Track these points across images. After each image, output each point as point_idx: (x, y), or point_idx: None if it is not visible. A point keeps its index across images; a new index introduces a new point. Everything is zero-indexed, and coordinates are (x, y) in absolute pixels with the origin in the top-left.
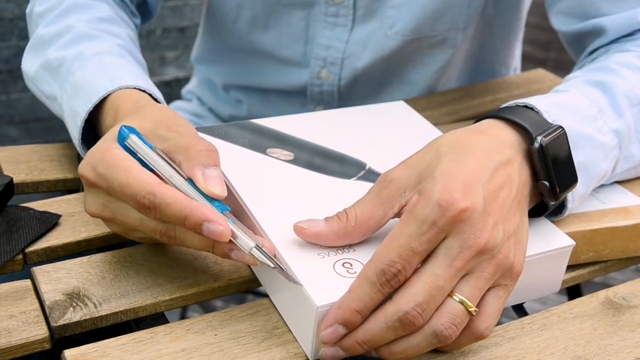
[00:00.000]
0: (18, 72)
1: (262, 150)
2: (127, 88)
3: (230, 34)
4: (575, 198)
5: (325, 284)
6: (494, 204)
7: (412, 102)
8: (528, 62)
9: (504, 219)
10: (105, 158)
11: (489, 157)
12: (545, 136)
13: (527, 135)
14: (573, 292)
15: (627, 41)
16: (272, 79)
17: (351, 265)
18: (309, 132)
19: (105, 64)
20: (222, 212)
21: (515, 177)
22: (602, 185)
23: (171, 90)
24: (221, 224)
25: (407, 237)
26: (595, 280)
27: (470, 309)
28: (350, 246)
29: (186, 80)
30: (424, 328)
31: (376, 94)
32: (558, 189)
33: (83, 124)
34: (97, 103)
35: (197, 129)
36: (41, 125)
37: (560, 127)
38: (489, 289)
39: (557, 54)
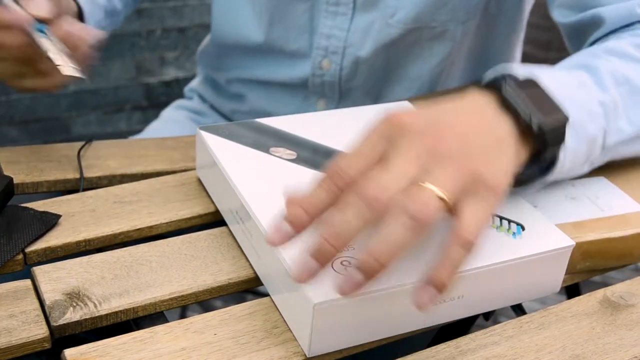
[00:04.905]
0: None
1: (265, 149)
2: None
3: (238, 30)
4: (566, 154)
5: (323, 281)
6: (446, 120)
7: (412, 102)
8: (528, 62)
9: (466, 132)
10: None
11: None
12: (509, 80)
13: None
14: (572, 291)
15: (624, 31)
16: (275, 72)
17: (350, 263)
18: (312, 131)
19: None
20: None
21: (491, 123)
22: (600, 189)
23: (171, 91)
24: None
25: (354, 146)
26: (594, 279)
27: (439, 194)
28: (348, 245)
29: (186, 80)
30: (395, 214)
31: (376, 88)
32: (540, 120)
33: None
34: None
35: (200, 128)
36: (41, 125)
37: (529, 77)
38: (463, 200)
39: (557, 54)
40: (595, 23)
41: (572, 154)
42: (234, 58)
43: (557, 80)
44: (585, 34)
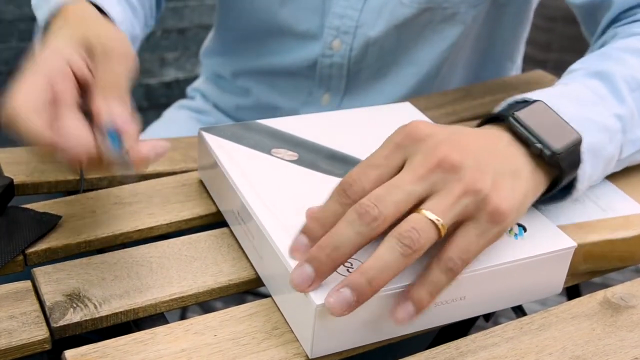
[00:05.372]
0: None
1: (266, 150)
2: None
3: (248, 14)
4: (584, 179)
5: (325, 283)
6: (462, 138)
7: (412, 102)
8: (528, 63)
9: (481, 153)
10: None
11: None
12: (517, 110)
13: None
14: (572, 292)
15: (637, 20)
16: (284, 57)
17: (352, 265)
18: (314, 132)
19: None
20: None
21: (507, 151)
22: (602, 191)
23: (171, 92)
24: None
25: (369, 157)
26: (595, 280)
27: (433, 219)
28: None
29: (186, 81)
30: (387, 236)
31: (383, 71)
32: (552, 147)
33: (42, 32)
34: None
35: (201, 129)
36: None
37: (537, 100)
38: (462, 223)
39: (557, 55)
40: (604, 4)
41: (589, 176)
42: (241, 47)
43: (573, 98)
44: (596, 15)
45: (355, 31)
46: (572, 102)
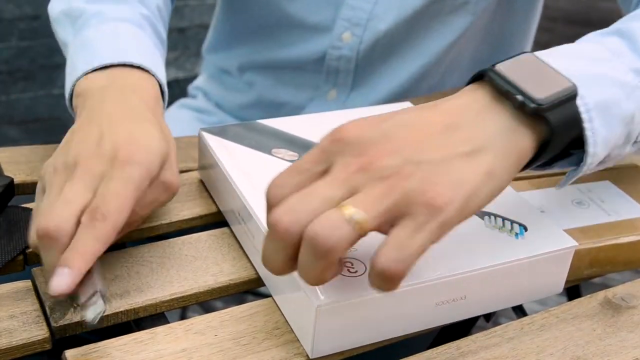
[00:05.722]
0: (18, 72)
1: (267, 150)
2: (132, 66)
3: (257, 5)
4: (597, 141)
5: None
6: (396, 134)
7: (413, 102)
8: None
9: (414, 148)
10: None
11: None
12: (506, 67)
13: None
14: (572, 292)
15: None
16: (291, 49)
17: (352, 264)
18: (314, 132)
19: (121, 32)
20: None
21: (460, 118)
22: (607, 194)
23: (171, 91)
24: (71, 283)
25: (297, 160)
26: (595, 280)
27: (352, 218)
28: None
29: (186, 80)
30: (304, 241)
31: (390, 65)
32: (534, 97)
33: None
34: (96, 68)
35: (202, 129)
36: (41, 125)
37: (524, 52)
38: (396, 222)
39: None
40: None
41: (605, 138)
42: (248, 39)
43: (576, 54)
44: None
45: (366, 24)
46: (574, 57)
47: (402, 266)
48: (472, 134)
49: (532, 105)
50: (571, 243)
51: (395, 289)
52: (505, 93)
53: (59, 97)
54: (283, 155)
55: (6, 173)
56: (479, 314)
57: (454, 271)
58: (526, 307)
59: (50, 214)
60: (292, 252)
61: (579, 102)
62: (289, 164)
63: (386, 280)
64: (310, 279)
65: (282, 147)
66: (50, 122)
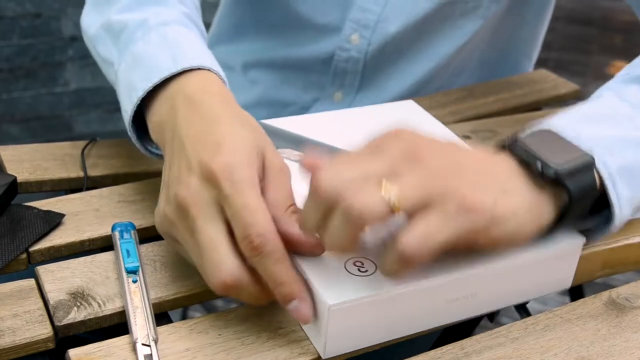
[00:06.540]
0: (19, 70)
1: None
2: (191, 69)
3: (266, 4)
4: (622, 204)
5: (336, 283)
6: (446, 147)
7: (416, 101)
8: None
9: (454, 162)
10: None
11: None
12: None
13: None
14: (575, 293)
15: None
16: (299, 49)
17: (362, 263)
18: (319, 132)
19: (170, 37)
20: None
21: (503, 173)
22: None
23: None
24: (308, 309)
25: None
26: (598, 280)
27: (387, 196)
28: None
29: None
30: (340, 202)
31: (398, 68)
32: (552, 164)
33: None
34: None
35: None
36: (42, 123)
37: (545, 129)
38: (424, 210)
39: (557, 54)
40: None
41: (628, 199)
42: (254, 36)
43: (596, 117)
44: None
45: (375, 26)
46: (598, 122)
47: (424, 251)
48: (505, 178)
49: (551, 171)
50: (580, 238)
51: (404, 272)
52: (526, 160)
53: (61, 95)
54: (288, 154)
55: (9, 171)
56: (488, 311)
57: (465, 268)
58: (530, 307)
59: (218, 269)
60: (328, 214)
61: (601, 167)
62: (294, 163)
63: (402, 261)
64: (334, 243)
65: (287, 147)
66: (51, 120)
